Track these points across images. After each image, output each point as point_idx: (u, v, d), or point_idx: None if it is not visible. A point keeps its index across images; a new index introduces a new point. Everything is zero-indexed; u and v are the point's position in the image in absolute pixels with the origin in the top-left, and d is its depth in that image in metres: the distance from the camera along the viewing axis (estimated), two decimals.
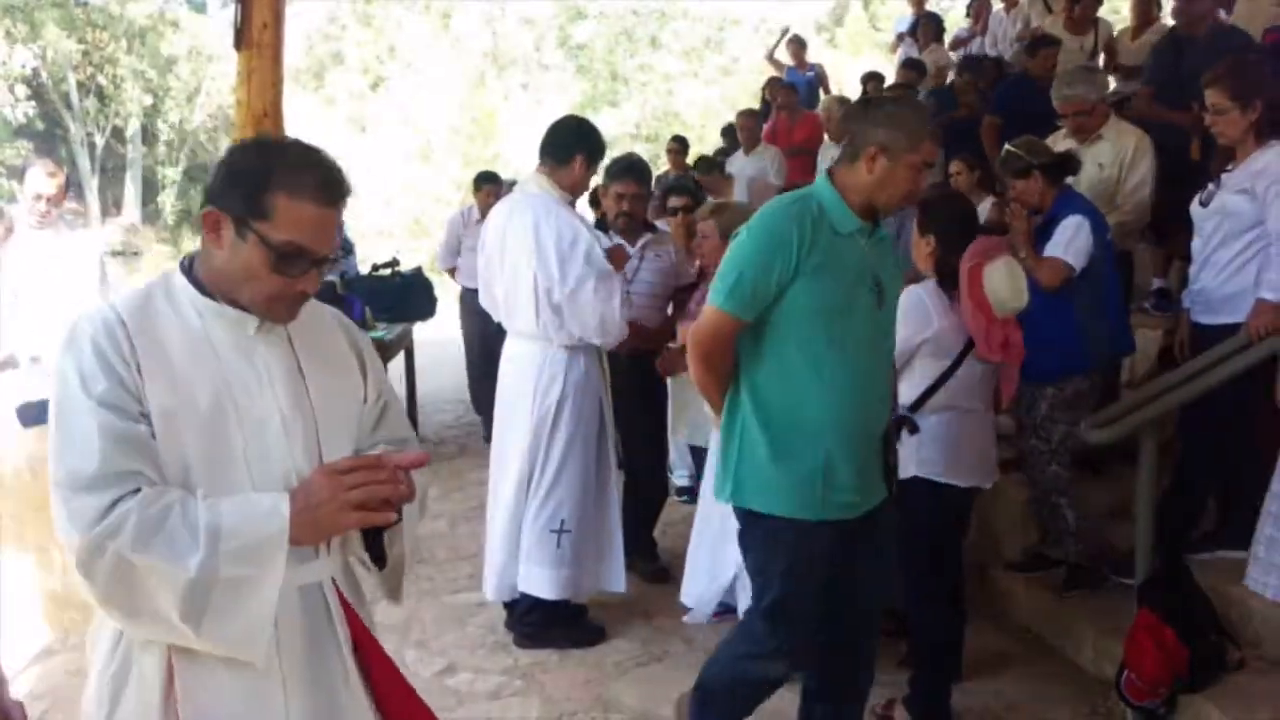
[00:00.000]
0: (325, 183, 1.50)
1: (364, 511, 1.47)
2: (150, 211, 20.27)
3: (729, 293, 2.39)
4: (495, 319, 3.81)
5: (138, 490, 1.39)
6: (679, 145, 8.91)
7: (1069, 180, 3.78)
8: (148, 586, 1.38)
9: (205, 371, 1.49)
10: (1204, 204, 3.50)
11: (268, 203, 1.46)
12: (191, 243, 13.18)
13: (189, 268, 1.57)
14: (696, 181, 6.71)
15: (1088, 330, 3.62)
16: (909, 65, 8.39)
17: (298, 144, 1.55)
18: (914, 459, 3.01)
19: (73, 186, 4.25)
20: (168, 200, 19.84)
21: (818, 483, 2.41)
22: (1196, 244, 3.58)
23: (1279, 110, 3.34)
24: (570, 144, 3.52)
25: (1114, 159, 4.27)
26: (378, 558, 1.67)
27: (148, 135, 20.36)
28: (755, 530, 2.53)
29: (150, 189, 20.40)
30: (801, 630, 2.56)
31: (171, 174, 20.01)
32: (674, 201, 4.83)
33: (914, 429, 3.03)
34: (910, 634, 3.31)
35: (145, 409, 1.43)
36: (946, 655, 3.20)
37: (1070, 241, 3.55)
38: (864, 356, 2.45)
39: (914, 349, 3.00)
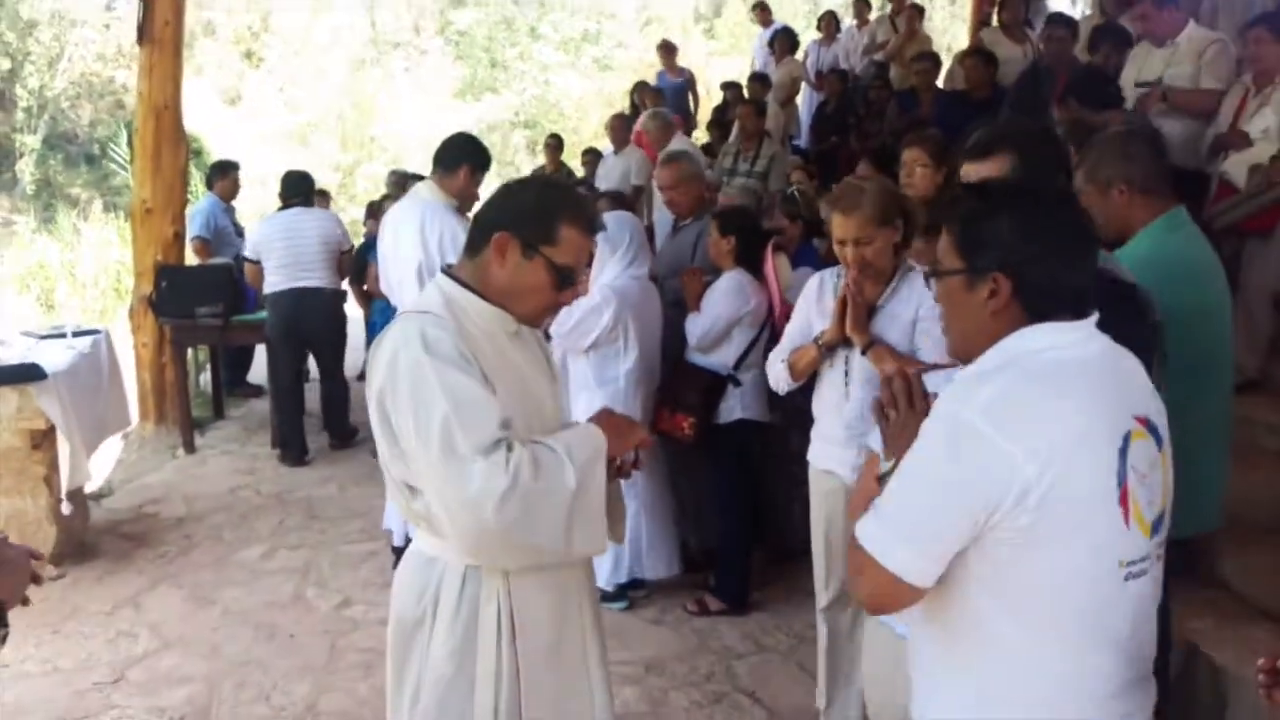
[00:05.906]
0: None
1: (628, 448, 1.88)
2: (6, 180, 19.52)
3: None
4: (391, 301, 4.36)
5: (508, 445, 1.69)
6: (555, 142, 9.96)
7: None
8: (543, 511, 1.69)
9: (503, 361, 1.83)
10: None
11: (558, 232, 1.81)
12: (53, 213, 12.74)
13: (456, 279, 1.87)
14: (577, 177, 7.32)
15: None
16: (755, 78, 9.25)
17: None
18: (739, 406, 3.83)
19: None
20: (26, 169, 19.14)
21: None
22: None
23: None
24: (458, 156, 4.08)
25: None
26: None
27: (4, 101, 19.59)
28: None
29: (7, 157, 19.65)
30: None
31: (30, 142, 19.28)
32: None
33: (737, 384, 3.83)
34: (720, 541, 4.06)
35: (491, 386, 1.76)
36: (743, 557, 4.02)
37: None
38: None
39: (738, 320, 3.78)
